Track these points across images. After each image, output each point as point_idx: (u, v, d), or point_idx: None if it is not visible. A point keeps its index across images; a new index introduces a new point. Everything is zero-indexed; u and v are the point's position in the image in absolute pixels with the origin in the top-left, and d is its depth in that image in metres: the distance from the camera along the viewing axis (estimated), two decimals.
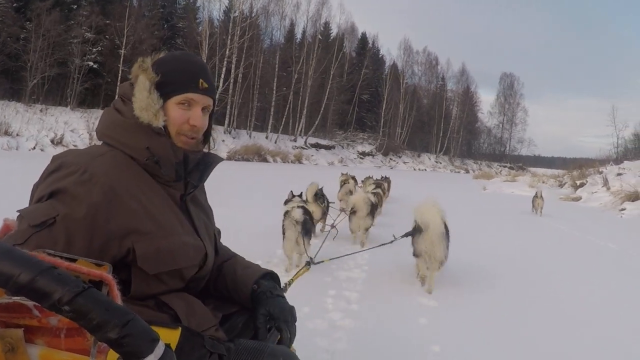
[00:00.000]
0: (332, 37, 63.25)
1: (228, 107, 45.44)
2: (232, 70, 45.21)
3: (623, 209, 17.02)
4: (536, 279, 6.61)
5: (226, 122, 45.86)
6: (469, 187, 30.89)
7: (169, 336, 1.49)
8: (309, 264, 3.41)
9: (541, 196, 15.37)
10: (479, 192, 26.53)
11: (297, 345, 2.01)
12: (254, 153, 42.98)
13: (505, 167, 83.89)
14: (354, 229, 7.99)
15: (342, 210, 8.64)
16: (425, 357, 3.80)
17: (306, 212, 6.16)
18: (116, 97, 1.86)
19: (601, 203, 19.58)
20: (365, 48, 72.60)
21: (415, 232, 5.53)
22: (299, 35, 60.07)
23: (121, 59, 39.05)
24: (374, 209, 8.26)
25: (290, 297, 2.10)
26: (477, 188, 29.29)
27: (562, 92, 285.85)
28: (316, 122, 56.59)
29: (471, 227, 10.69)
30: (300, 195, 6.84)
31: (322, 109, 57.39)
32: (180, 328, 1.55)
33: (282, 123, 53.08)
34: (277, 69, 51.57)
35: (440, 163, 77.06)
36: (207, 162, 1.88)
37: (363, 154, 64.29)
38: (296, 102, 54.60)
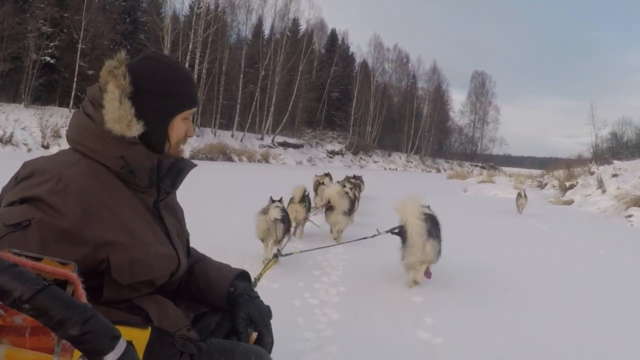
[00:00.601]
0: (300, 33, 61.76)
1: None
2: (196, 66, 42.99)
3: (630, 216, 14.86)
4: (561, 300, 5.66)
5: None
6: (447, 188, 28.68)
7: (139, 336, 1.48)
8: (276, 256, 3.73)
9: (525, 195, 15.70)
10: (459, 194, 24.56)
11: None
12: (218, 152, 41.38)
13: (476, 166, 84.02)
14: (333, 223, 7.90)
15: (322, 206, 8.51)
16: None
17: (283, 211, 6.19)
18: (86, 99, 1.75)
19: (599, 208, 17.65)
20: (335, 45, 71.51)
21: (402, 233, 5.32)
22: (266, 31, 58.25)
23: (78, 54, 37.01)
24: (351, 205, 8.17)
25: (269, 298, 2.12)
26: (456, 189, 27.26)
27: (532, 92, 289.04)
28: (284, 120, 55.05)
29: (462, 236, 9.37)
30: (280, 201, 6.67)
31: (290, 106, 55.87)
32: (150, 328, 1.55)
33: (249, 121, 51.22)
34: (243, 65, 49.53)
35: (412, 162, 76.17)
36: (180, 168, 1.85)
37: (332, 153, 62.92)
38: (263, 100, 52.79)
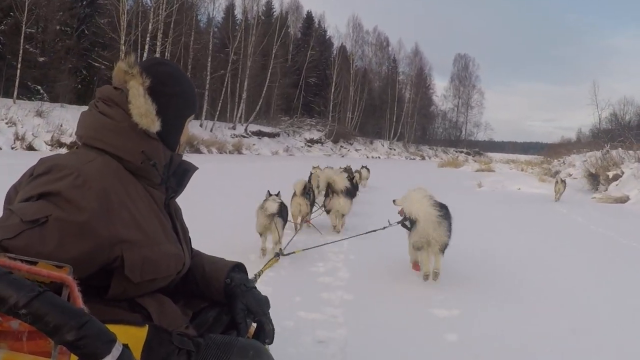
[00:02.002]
0: (274, 16, 57.44)
1: None
2: (158, 49, 38.55)
3: None
4: None
5: None
6: (453, 180, 23.42)
7: (137, 334, 1.52)
8: (278, 255, 3.63)
9: (562, 181, 15.69)
10: (474, 190, 19.30)
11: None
12: (184, 143, 36.56)
13: (461, 152, 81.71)
14: (334, 208, 7.80)
15: (322, 207, 8.40)
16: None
17: (281, 204, 6.11)
18: (97, 100, 1.79)
19: None
20: (311, 28, 67.81)
21: (410, 223, 5.18)
22: (238, 11, 53.29)
23: (22, 38, 32.24)
24: (350, 192, 8.09)
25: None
26: (467, 183, 21.70)
27: (509, 77, 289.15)
28: (257, 108, 50.70)
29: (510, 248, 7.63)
30: (277, 195, 6.50)
31: (264, 92, 51.52)
32: (147, 326, 1.58)
33: (219, 109, 46.52)
34: (211, 47, 44.85)
35: (395, 149, 72.85)
36: (184, 169, 1.93)
37: (311, 142, 59.02)
38: (234, 86, 48.32)
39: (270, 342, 1.89)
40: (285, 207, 6.42)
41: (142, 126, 1.69)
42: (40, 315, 1.08)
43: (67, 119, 29.09)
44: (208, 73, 44.25)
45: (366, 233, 5.38)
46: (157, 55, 38.41)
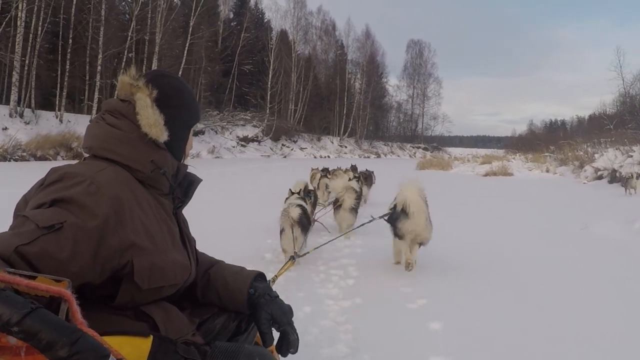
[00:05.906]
0: None
1: (16, 73, 27.95)
2: (21, 15, 27.34)
3: None
4: None
5: (13, 98, 27.80)
6: (566, 221, 10.16)
7: (141, 345, 1.52)
8: (293, 258, 3.55)
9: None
10: None
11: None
12: (60, 145, 26.68)
13: (419, 148, 73.39)
14: (340, 220, 7.86)
15: (324, 204, 8.61)
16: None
17: (303, 210, 6.17)
18: (103, 112, 1.79)
19: None
20: (245, 7, 57.20)
21: (398, 214, 5.36)
22: None
23: None
24: (357, 200, 8.14)
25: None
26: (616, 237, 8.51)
27: (450, 70, 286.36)
28: None
29: None
30: (298, 193, 6.89)
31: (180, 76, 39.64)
32: (152, 336, 1.56)
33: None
34: (104, 14, 33.38)
35: (346, 147, 63.29)
36: (190, 181, 1.93)
37: (245, 140, 48.26)
38: (139, 70, 35.93)
39: (295, 352, 1.86)
40: (306, 210, 6.27)
41: (151, 136, 1.71)
42: (33, 332, 1.09)
43: None
44: (100, 51, 33.00)
45: (355, 228, 5.70)
46: (20, 24, 27.31)
